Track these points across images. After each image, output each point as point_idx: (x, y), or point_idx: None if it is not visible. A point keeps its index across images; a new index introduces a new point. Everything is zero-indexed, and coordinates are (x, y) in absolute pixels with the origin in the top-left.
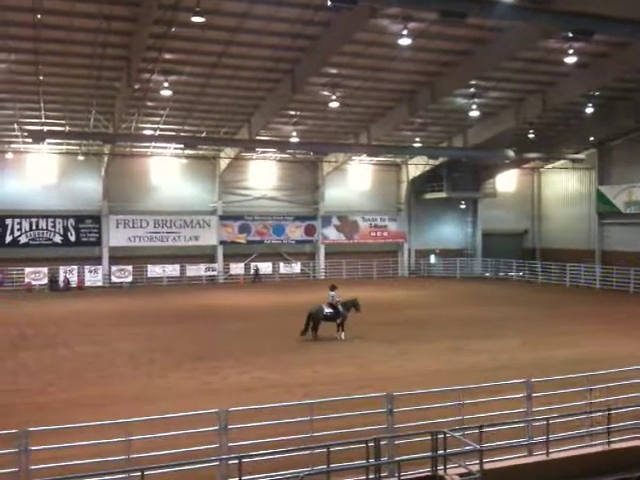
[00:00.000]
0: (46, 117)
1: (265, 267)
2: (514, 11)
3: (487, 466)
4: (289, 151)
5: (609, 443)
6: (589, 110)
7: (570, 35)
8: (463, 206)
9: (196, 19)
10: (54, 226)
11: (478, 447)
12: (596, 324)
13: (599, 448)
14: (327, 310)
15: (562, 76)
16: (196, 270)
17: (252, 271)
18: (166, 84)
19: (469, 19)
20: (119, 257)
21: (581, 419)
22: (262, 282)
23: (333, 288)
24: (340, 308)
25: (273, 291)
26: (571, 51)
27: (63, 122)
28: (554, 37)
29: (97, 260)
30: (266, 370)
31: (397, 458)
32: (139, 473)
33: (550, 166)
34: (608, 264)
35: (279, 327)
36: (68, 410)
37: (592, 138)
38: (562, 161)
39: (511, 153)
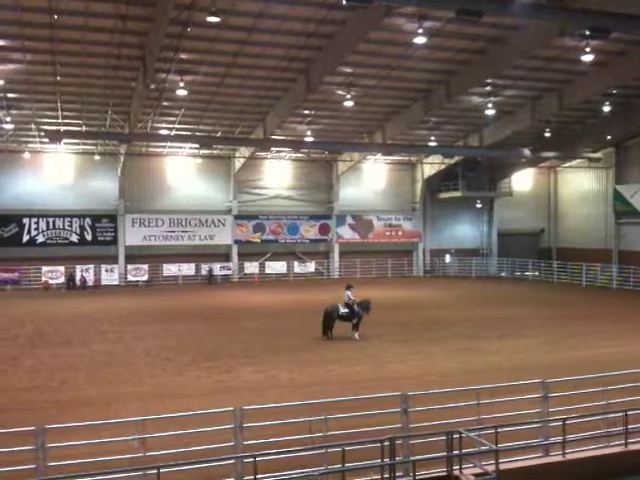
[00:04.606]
0: (63, 117)
1: (279, 266)
2: (530, 9)
3: (503, 466)
4: (304, 150)
5: (626, 444)
6: (606, 109)
7: (587, 33)
8: (479, 205)
9: (211, 19)
10: (71, 225)
11: (494, 447)
12: (613, 325)
13: (616, 449)
14: (343, 310)
15: (579, 74)
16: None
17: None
18: (182, 84)
19: (485, 17)
20: (135, 256)
21: (598, 420)
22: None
23: (349, 287)
24: (356, 308)
25: (287, 290)
26: (588, 49)
27: (80, 122)
28: (571, 35)
29: (113, 259)
30: (281, 369)
31: (412, 458)
32: (155, 471)
33: (567, 165)
34: (625, 264)
35: (293, 326)
36: (84, 407)
37: (609, 137)
38: (579, 160)
39: (527, 152)
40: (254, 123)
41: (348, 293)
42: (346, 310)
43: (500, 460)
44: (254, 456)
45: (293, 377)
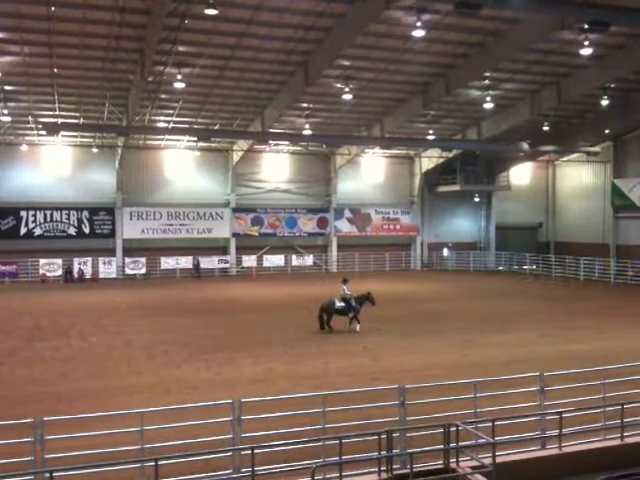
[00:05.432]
0: (60, 109)
1: (277, 259)
2: (529, 2)
3: (500, 459)
4: (302, 144)
5: (622, 437)
6: (605, 102)
7: (586, 26)
8: (477, 199)
9: (210, 11)
10: (68, 218)
11: (491, 440)
12: (610, 318)
13: (612, 442)
14: (339, 304)
15: (578, 68)
16: (209, 262)
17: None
18: (179, 76)
19: (484, 10)
20: (133, 249)
21: (594, 413)
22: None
23: (345, 281)
24: (352, 302)
25: (285, 284)
26: (587, 43)
27: (77, 114)
28: (569, 28)
29: (111, 252)
30: (279, 362)
31: (409, 450)
32: (153, 463)
33: (565, 159)
34: (623, 258)
35: (291, 319)
36: (82, 400)
37: (607, 131)
38: (577, 154)
39: (525, 146)
40: (252, 116)
41: (344, 287)
42: (342, 304)
43: (497, 453)
44: (252, 448)
45: (291, 370)
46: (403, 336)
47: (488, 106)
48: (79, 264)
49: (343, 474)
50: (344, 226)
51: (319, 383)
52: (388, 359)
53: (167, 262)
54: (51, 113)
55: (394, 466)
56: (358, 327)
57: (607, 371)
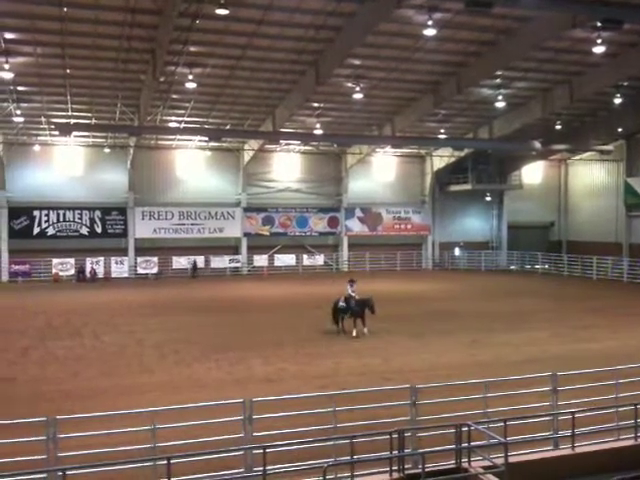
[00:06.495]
0: (73, 110)
1: (288, 259)
2: (540, 0)
3: (512, 459)
4: (313, 143)
5: (636, 438)
6: (617, 101)
7: (599, 24)
8: (488, 198)
9: (220, 11)
10: (81, 218)
11: (503, 440)
12: (623, 317)
13: (626, 443)
14: (341, 303)
15: (590, 66)
16: (220, 261)
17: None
18: (191, 76)
19: (495, 9)
20: (145, 248)
21: (608, 413)
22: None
23: (351, 282)
24: (352, 303)
25: (296, 283)
26: (599, 41)
27: (89, 115)
28: (582, 27)
29: (123, 251)
30: (289, 361)
31: (421, 450)
32: (165, 461)
33: (577, 157)
34: (636, 257)
35: (303, 319)
36: (95, 398)
37: (620, 129)
38: (589, 152)
39: (537, 144)
40: (263, 116)
41: (348, 287)
42: (344, 304)
43: (509, 453)
44: (263, 447)
45: (302, 369)
46: (413, 336)
47: (500, 105)
48: (91, 263)
49: (354, 473)
50: (355, 225)
51: (330, 382)
52: (398, 359)
53: (179, 262)
54: (63, 113)
55: (406, 466)
56: (356, 331)
57: (620, 371)
